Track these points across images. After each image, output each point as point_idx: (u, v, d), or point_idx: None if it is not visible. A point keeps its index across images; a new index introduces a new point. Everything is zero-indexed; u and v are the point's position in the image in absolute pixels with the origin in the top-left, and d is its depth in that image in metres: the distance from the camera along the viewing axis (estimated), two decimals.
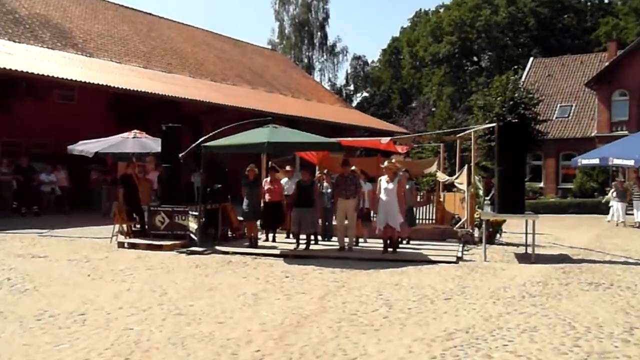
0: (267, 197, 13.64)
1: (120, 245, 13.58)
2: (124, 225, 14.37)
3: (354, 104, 71.89)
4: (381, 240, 12.56)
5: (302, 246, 13.10)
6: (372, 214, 14.10)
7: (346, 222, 12.77)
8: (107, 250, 13.04)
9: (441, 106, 51.20)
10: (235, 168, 22.31)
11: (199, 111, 28.36)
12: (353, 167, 13.20)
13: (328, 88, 59.60)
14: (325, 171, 14.76)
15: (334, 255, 12.18)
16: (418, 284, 9.27)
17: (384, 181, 12.10)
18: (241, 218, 14.15)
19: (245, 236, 14.30)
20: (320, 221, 13.85)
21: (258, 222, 13.91)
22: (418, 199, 16.43)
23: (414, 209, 15.18)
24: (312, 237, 13.52)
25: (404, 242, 13.81)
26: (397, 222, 12.01)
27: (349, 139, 18.93)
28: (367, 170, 14.47)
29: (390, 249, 12.36)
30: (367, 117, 48.46)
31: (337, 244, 13.08)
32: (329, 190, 13.57)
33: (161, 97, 25.65)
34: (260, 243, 13.69)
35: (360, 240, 14.10)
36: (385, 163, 12.46)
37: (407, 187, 13.33)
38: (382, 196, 12.04)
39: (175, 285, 9.09)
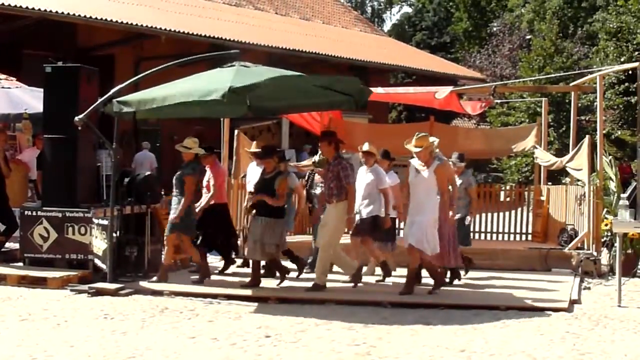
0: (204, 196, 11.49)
1: None
2: None
3: (387, 27, 55.26)
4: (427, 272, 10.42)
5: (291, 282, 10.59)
6: (398, 226, 12.45)
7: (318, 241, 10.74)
8: None
9: (543, 31, 36.45)
10: (173, 143, 18.99)
11: (111, 40, 22.20)
12: (368, 147, 10.79)
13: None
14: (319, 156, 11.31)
15: (349, 299, 9.98)
16: (501, 349, 7.90)
17: (413, 166, 10.09)
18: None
19: (191, 263, 11.83)
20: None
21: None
22: (502, 198, 14.49)
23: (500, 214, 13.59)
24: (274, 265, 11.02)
25: (460, 277, 11.17)
26: (423, 238, 9.70)
27: (379, 89, 15.45)
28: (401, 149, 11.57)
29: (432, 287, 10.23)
30: (409, 49, 36.85)
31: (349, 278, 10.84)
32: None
33: (43, 16, 19.06)
34: (215, 277, 11.10)
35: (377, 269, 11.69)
36: (414, 141, 10.05)
37: (460, 182, 11.35)
38: (412, 192, 10.14)
39: (70, 350, 7.63)
